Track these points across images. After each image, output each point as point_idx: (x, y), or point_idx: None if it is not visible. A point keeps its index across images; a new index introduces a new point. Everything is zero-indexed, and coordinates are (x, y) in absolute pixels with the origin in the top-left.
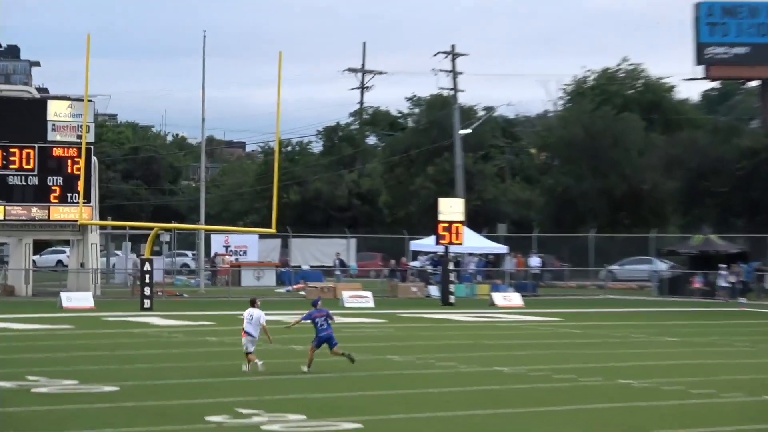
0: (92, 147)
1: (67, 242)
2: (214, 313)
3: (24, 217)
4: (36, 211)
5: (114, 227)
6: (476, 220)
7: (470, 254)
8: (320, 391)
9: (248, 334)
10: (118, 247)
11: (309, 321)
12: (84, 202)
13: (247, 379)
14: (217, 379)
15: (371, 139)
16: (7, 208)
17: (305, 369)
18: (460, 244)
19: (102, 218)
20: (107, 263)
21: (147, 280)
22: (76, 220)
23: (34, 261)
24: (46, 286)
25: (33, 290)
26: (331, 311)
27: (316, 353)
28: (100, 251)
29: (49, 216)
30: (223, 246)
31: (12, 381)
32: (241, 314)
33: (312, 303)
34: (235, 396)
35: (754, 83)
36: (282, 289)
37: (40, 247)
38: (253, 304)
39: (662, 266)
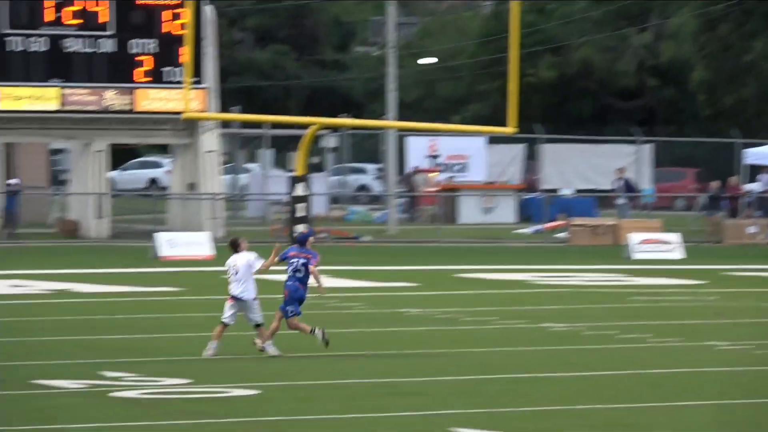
0: None
1: (164, 149)
2: (412, 268)
3: (93, 107)
4: (112, 97)
5: (244, 124)
6: None
7: None
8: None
9: (236, 299)
10: (252, 157)
11: (283, 261)
12: (192, 82)
13: (471, 383)
14: (424, 380)
15: None
16: (64, 92)
17: (260, 344)
18: None
19: (223, 109)
20: (233, 184)
21: (301, 213)
22: (180, 112)
23: (111, 180)
24: (132, 221)
25: (110, 228)
26: (596, 266)
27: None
28: (222, 164)
29: (133, 105)
30: (428, 156)
31: (79, 380)
32: (453, 270)
33: (298, 238)
34: (457, 406)
35: None
36: (527, 229)
37: (120, 158)
38: (235, 247)
39: None
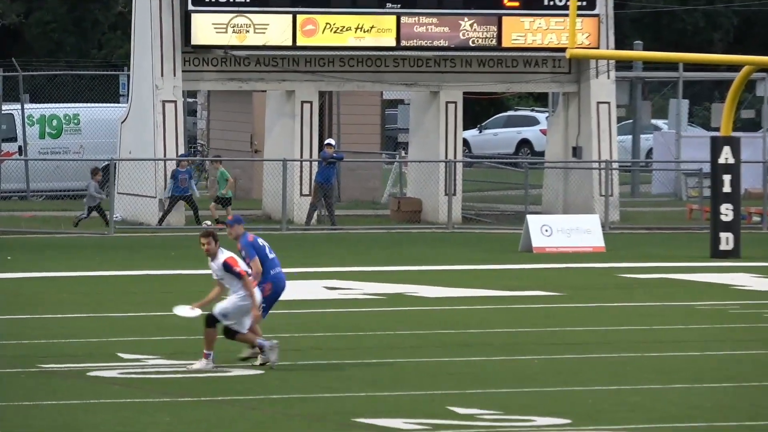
0: None
1: (540, 99)
2: None
3: (443, 42)
4: (470, 28)
5: (648, 65)
6: None
7: None
8: None
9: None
10: (659, 110)
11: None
12: (580, 6)
13: None
14: None
15: None
16: (404, 22)
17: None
18: None
19: (621, 44)
20: (633, 148)
21: (727, 188)
22: (563, 49)
23: (465, 142)
24: (493, 200)
25: (463, 210)
26: None
27: None
28: (617, 121)
29: (498, 38)
30: None
31: (421, 418)
32: None
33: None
34: None
35: None
36: None
37: (479, 112)
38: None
39: None
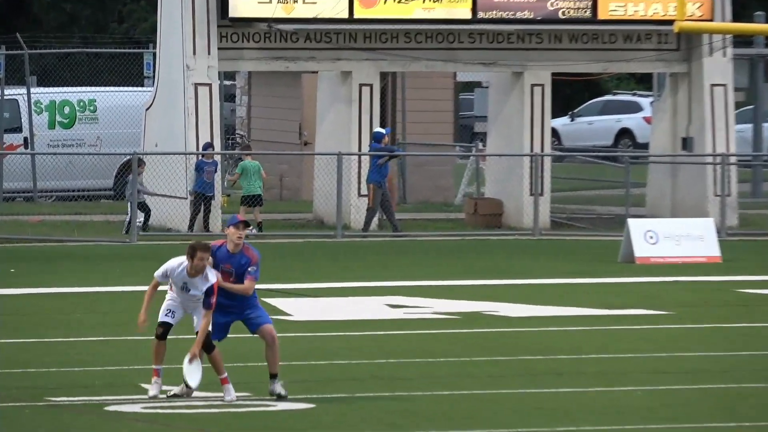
0: None
1: (643, 81)
2: None
3: (527, 14)
4: None
5: None
6: None
7: None
8: None
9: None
10: None
11: None
12: None
13: None
14: None
15: None
16: None
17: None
18: None
19: (738, 17)
20: (755, 139)
21: None
22: (671, 21)
23: (554, 132)
24: (587, 200)
25: (550, 215)
26: None
27: None
28: (735, 107)
29: (593, 9)
30: None
31: None
32: None
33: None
34: None
35: None
36: None
37: (570, 97)
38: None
39: None
